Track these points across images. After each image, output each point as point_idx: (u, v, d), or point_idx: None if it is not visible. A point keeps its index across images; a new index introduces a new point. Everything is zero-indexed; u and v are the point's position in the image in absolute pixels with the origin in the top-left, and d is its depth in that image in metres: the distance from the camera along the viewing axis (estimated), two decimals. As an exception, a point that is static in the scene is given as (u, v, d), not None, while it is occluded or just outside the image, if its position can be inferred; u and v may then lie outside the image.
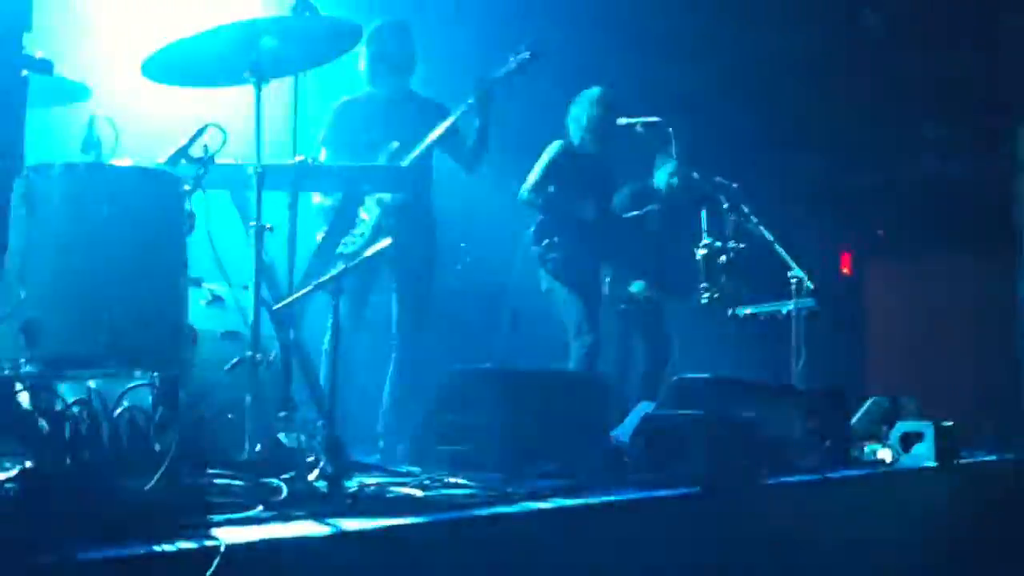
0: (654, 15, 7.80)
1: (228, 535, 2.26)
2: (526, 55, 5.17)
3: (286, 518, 2.60)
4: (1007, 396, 8.57)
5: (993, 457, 6.36)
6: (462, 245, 6.70)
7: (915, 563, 4.86)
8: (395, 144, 5.04)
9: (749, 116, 8.46)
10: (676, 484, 3.72)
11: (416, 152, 5.11)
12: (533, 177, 6.00)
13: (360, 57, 5.29)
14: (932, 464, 5.39)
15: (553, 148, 6.08)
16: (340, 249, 4.93)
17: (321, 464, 3.01)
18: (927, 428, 5.50)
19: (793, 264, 6.19)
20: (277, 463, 3.04)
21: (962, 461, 5.75)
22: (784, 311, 6.30)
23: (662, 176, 6.74)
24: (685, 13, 7.96)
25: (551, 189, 5.97)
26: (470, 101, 5.17)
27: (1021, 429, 7.34)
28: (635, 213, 6.43)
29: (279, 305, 3.52)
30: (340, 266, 3.40)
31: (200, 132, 3.20)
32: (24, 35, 2.64)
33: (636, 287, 6.51)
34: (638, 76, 7.18)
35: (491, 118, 5.23)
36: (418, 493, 3.22)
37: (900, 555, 4.75)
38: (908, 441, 5.51)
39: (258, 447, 3.09)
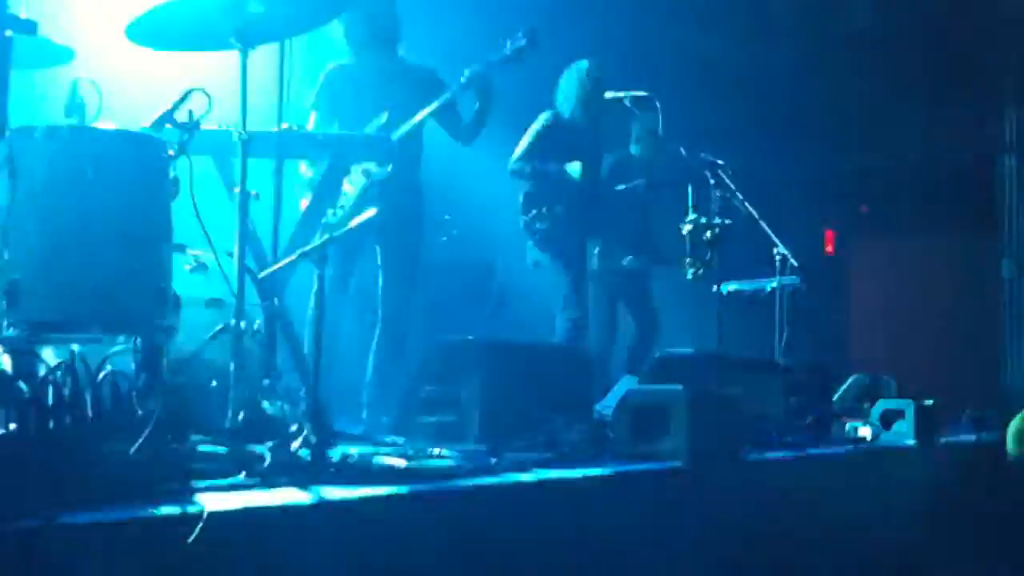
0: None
1: (210, 501, 2.26)
2: (522, 42, 5.15)
3: (269, 485, 2.60)
4: (987, 376, 8.62)
5: (972, 436, 6.40)
6: (447, 217, 6.69)
7: (894, 539, 4.90)
8: (385, 115, 5.00)
9: (737, 94, 8.45)
10: (658, 458, 3.73)
11: (408, 125, 5.08)
12: (522, 147, 6.00)
13: (340, 26, 5.24)
14: (912, 442, 5.43)
15: (542, 119, 6.08)
16: (324, 219, 4.90)
17: (304, 432, 3.01)
18: (908, 406, 5.53)
19: (778, 241, 6.20)
20: (260, 431, 3.03)
21: (941, 440, 5.78)
22: (768, 288, 6.33)
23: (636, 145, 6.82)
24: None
25: (539, 159, 5.97)
26: (463, 80, 5.14)
27: (1000, 409, 7.39)
28: (622, 187, 6.44)
29: (264, 273, 3.50)
30: (325, 236, 3.38)
31: (185, 97, 3.16)
32: (8, -5, 2.61)
33: (627, 260, 6.54)
34: (628, 51, 7.16)
35: (490, 102, 5.23)
36: (401, 463, 3.22)
37: (879, 531, 4.79)
38: (889, 419, 5.54)
39: (241, 415, 3.08)
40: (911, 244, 9.32)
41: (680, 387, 3.92)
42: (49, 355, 2.86)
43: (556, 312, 5.99)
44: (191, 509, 2.17)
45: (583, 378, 4.62)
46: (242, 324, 3.24)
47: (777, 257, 6.21)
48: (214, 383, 3.25)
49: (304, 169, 5.00)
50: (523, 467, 3.31)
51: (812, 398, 5.32)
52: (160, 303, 2.99)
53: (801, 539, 4.20)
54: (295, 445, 3.00)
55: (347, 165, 4.86)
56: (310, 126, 5.14)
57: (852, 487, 4.73)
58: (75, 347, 2.80)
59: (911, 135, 9.24)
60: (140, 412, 2.60)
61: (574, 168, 5.99)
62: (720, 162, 6.03)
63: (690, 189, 5.83)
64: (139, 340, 2.92)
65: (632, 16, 7.72)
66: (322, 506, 2.48)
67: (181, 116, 3.14)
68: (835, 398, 5.92)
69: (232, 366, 3.18)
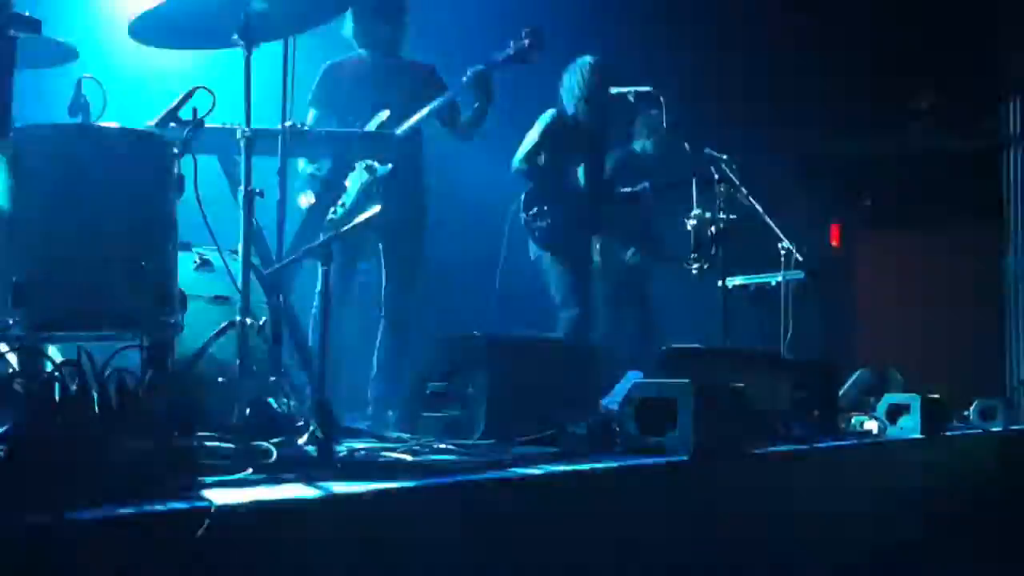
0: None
1: (218, 496, 2.26)
2: (525, 43, 5.15)
3: (276, 481, 2.60)
4: (993, 368, 8.61)
5: (978, 430, 6.39)
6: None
7: (900, 534, 4.89)
8: (386, 112, 5.01)
9: (740, 88, 8.44)
10: (664, 452, 3.73)
11: (411, 122, 5.08)
12: (526, 145, 6.00)
13: (346, 20, 5.26)
14: (918, 436, 5.42)
15: (546, 117, 6.07)
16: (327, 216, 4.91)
17: (311, 428, 3.01)
18: (914, 400, 5.51)
19: (783, 236, 6.20)
20: (267, 427, 3.04)
21: (948, 433, 5.77)
22: (774, 282, 6.32)
23: (640, 142, 6.82)
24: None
25: (543, 157, 5.97)
26: (465, 79, 5.15)
27: (1006, 402, 7.37)
28: (628, 190, 6.45)
29: (269, 270, 3.51)
30: (329, 233, 3.38)
31: (189, 95, 3.17)
32: (12, -6, 2.61)
33: (629, 254, 6.55)
34: (629, 46, 7.16)
35: (489, 101, 5.24)
36: (408, 458, 3.23)
37: (885, 526, 4.78)
38: (895, 413, 5.53)
39: (248, 411, 3.09)
40: (917, 237, 9.30)
41: (686, 381, 3.91)
42: (55, 353, 2.87)
43: (557, 308, 5.99)
44: (199, 504, 2.18)
45: (588, 373, 4.62)
46: (248, 321, 3.25)
47: (782, 251, 6.21)
48: (220, 380, 3.25)
49: (303, 166, 5.01)
50: (530, 461, 3.31)
51: (818, 392, 5.29)
52: (166, 300, 2.99)
53: (807, 533, 4.20)
54: (302, 441, 3.01)
55: (351, 162, 4.87)
56: (308, 123, 5.15)
57: (858, 481, 4.72)
58: (81, 344, 2.81)
59: (916, 127, 9.24)
60: (147, 409, 2.61)
61: (578, 165, 5.99)
62: (724, 157, 6.03)
63: (694, 184, 5.83)
64: (145, 337, 2.92)
65: (632, 13, 7.71)
66: (329, 501, 2.48)
67: (185, 114, 3.15)
68: (841, 392, 5.90)
69: (238, 363, 3.18)
